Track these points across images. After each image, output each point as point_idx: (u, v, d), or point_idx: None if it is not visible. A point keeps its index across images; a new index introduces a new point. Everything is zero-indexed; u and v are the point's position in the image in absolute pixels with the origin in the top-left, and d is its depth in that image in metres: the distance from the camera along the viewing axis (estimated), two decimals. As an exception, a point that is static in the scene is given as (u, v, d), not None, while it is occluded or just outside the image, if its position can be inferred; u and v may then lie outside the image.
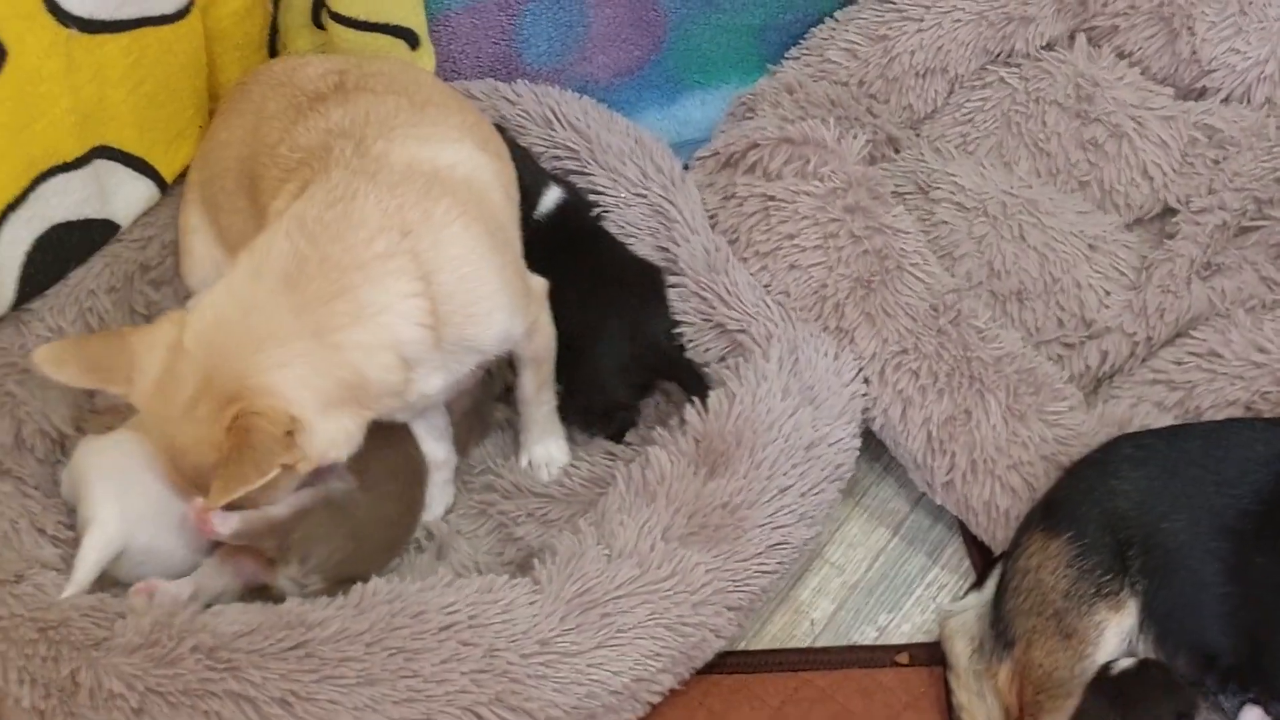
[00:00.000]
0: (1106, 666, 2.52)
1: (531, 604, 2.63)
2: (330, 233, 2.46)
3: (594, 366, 2.95)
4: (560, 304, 2.84)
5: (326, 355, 2.43)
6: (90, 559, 2.59)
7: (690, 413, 2.84)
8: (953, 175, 3.25)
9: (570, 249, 3.01)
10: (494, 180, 2.71)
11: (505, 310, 2.61)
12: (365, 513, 2.73)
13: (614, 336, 2.96)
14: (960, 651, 2.72)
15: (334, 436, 2.48)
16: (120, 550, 2.61)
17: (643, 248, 3.07)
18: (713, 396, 2.85)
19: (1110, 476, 2.61)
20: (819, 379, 2.86)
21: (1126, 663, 2.54)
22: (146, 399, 2.49)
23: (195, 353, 2.44)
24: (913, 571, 2.96)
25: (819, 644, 2.89)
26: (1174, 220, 3.26)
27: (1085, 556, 2.56)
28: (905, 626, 2.89)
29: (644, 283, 3.01)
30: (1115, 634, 2.54)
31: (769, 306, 2.95)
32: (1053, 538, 2.61)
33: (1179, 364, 3.00)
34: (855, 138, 3.14)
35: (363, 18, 3.07)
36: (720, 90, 3.52)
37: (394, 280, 2.46)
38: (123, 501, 2.64)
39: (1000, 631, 2.65)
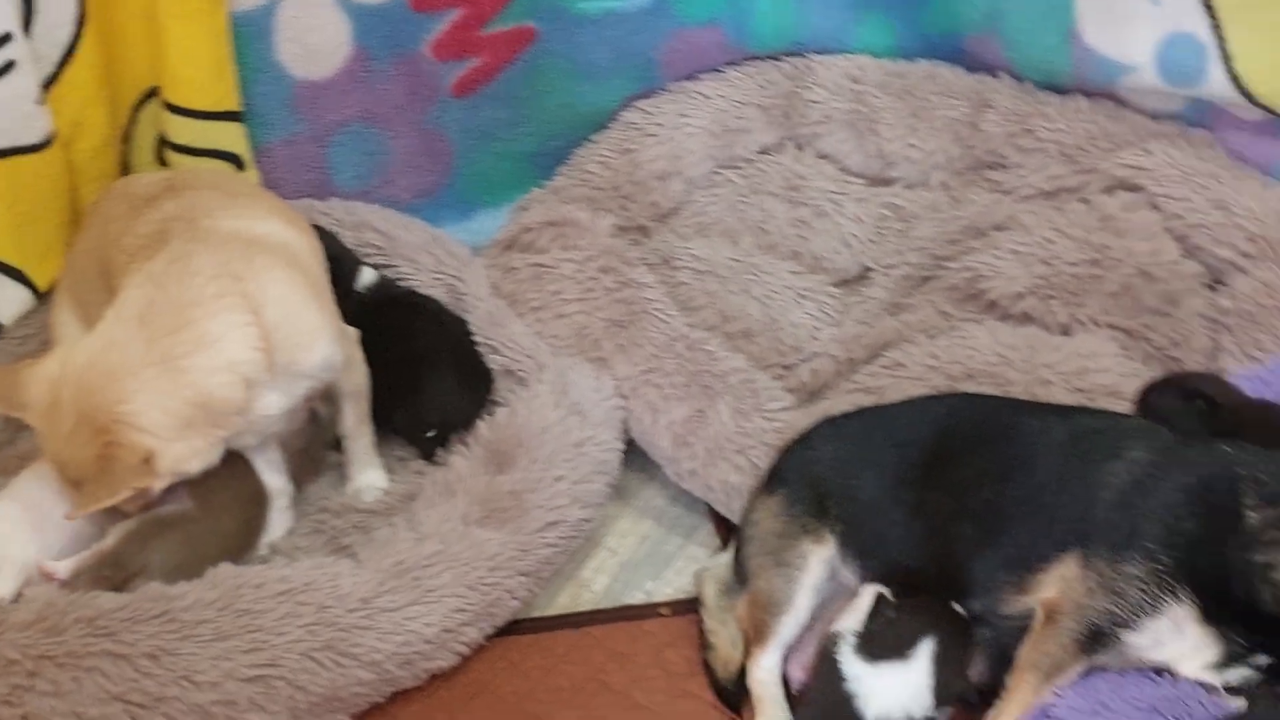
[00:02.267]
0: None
1: (354, 574, 3.27)
2: (173, 280, 3.15)
3: (428, 391, 3.62)
4: (398, 342, 3.56)
5: (175, 379, 3.09)
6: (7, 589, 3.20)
7: (481, 426, 3.53)
8: (690, 249, 4.01)
9: (396, 305, 3.73)
10: (303, 246, 3.43)
11: (326, 338, 3.30)
12: (201, 527, 3.34)
13: (442, 366, 3.64)
14: (710, 592, 3.39)
15: (185, 453, 3.13)
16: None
17: (442, 316, 3.80)
18: (498, 412, 3.55)
19: (810, 449, 3.32)
20: (584, 396, 3.57)
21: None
22: (40, 423, 3.13)
23: (71, 386, 3.10)
24: (672, 549, 3.63)
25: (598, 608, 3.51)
26: (870, 275, 4.04)
27: (793, 507, 3.24)
28: (667, 590, 3.54)
29: (459, 325, 3.71)
30: (818, 561, 3.20)
31: (540, 348, 3.67)
32: (770, 496, 3.30)
33: (872, 375, 3.74)
34: (604, 218, 3.91)
35: (195, 145, 3.79)
36: (506, 206, 4.23)
37: (229, 313, 3.14)
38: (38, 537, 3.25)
39: (739, 573, 3.32)
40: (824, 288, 4.00)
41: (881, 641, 3.04)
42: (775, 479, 3.30)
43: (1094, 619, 2.87)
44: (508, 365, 3.67)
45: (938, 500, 3.15)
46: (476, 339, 3.71)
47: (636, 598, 3.54)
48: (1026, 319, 3.86)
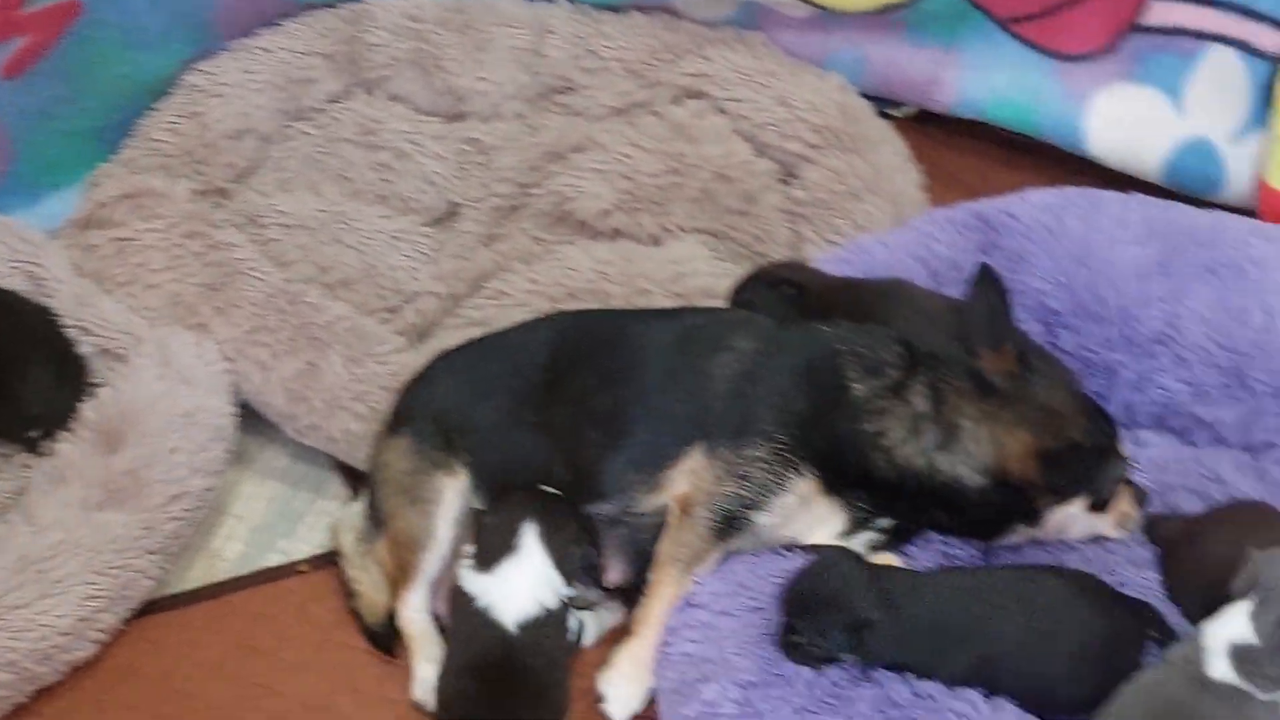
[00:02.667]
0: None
1: (-23, 576, 3.13)
2: None
3: (21, 392, 3.49)
4: None
5: None
6: None
7: (85, 410, 3.41)
8: (275, 205, 3.96)
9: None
10: None
11: None
12: None
13: (31, 364, 3.51)
14: (347, 541, 3.37)
15: None
16: None
17: (21, 307, 3.65)
18: (101, 393, 3.45)
19: (428, 385, 3.33)
20: (187, 364, 3.49)
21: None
22: None
23: None
24: (302, 506, 3.59)
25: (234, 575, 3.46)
26: (459, 210, 4.06)
27: (420, 444, 3.25)
28: (303, 547, 3.50)
29: (40, 316, 3.57)
30: (453, 493, 3.22)
31: (135, 321, 3.57)
32: (397, 437, 3.29)
33: (477, 307, 3.77)
34: (180, 184, 3.83)
35: None
36: (76, 186, 4.05)
37: None
38: None
39: (374, 518, 3.31)
40: (416, 228, 4.01)
41: (489, 547, 3.08)
42: (399, 419, 3.31)
43: (725, 505, 2.97)
44: (103, 344, 3.55)
45: (560, 414, 3.19)
46: (65, 323, 3.57)
47: (273, 560, 3.50)
48: (617, 234, 3.96)
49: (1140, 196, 3.58)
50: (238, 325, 3.58)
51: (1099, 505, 3.07)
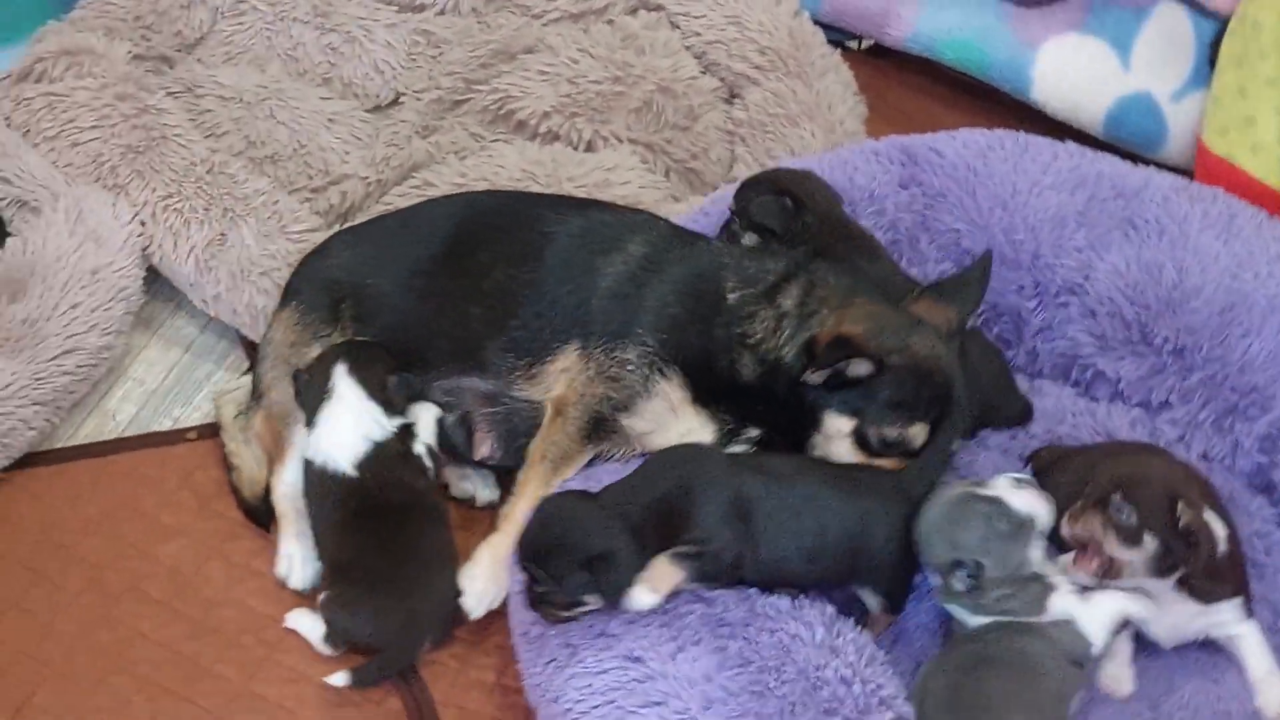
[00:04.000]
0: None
1: None
2: None
3: None
4: None
5: None
6: None
7: (-11, 259, 3.43)
8: (215, 77, 3.96)
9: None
10: None
11: None
12: None
13: None
14: (228, 413, 3.38)
15: None
16: None
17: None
18: (10, 243, 3.46)
19: (325, 256, 3.33)
20: (101, 223, 3.51)
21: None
22: None
23: None
24: (201, 376, 3.61)
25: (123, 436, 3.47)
26: (402, 100, 4.04)
27: (305, 315, 3.26)
28: (195, 415, 3.52)
29: None
30: None
31: (55, 177, 3.58)
32: (284, 309, 3.31)
33: (402, 195, 3.77)
34: (121, 46, 3.82)
35: None
36: (24, 44, 4.08)
37: None
38: None
39: (255, 390, 3.32)
40: (355, 112, 4.00)
41: (310, 401, 3.11)
42: (289, 291, 3.33)
43: (595, 406, 2.97)
44: (20, 196, 3.58)
45: (452, 286, 3.20)
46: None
47: (165, 425, 3.51)
48: (553, 137, 3.95)
49: (1071, 145, 3.54)
50: (155, 190, 3.60)
51: (865, 443, 2.96)
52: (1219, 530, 2.81)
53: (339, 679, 2.96)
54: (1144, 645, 2.91)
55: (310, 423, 3.09)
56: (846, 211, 3.37)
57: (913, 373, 2.87)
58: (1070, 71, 4.03)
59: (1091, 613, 2.77)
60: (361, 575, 3.01)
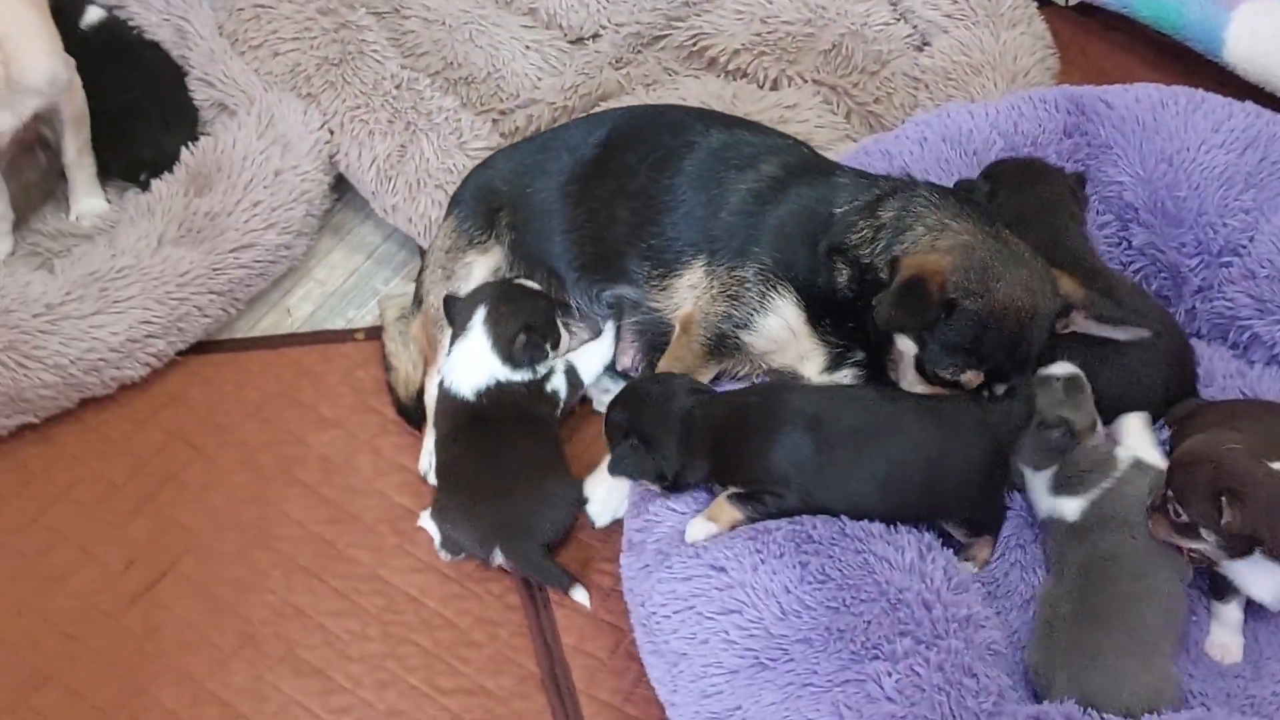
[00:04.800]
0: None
1: (45, 282, 3.39)
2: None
3: (139, 140, 3.75)
4: (114, 92, 3.69)
5: None
6: None
7: (184, 153, 3.64)
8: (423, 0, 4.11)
9: (114, 52, 3.83)
10: None
11: (53, 52, 3.42)
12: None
13: (152, 117, 3.78)
14: (390, 316, 3.54)
15: None
16: None
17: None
18: (202, 141, 3.67)
19: (488, 167, 3.45)
20: (290, 128, 3.69)
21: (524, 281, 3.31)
22: None
23: None
24: (379, 282, 3.77)
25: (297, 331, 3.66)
26: (602, 33, 4.15)
27: (463, 223, 3.39)
28: (368, 318, 3.68)
29: (171, 71, 3.82)
30: (483, 269, 3.35)
31: (254, 82, 3.78)
32: (447, 219, 3.44)
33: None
34: (330, -38, 4.02)
35: None
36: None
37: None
38: None
39: (416, 294, 3.47)
40: (554, 42, 4.11)
41: (456, 327, 3.25)
42: (453, 201, 3.46)
43: (718, 324, 3.04)
44: (220, 99, 3.79)
45: (600, 187, 3.29)
46: (195, 75, 3.80)
47: (338, 325, 3.68)
48: (741, 74, 3.99)
49: (1250, 105, 3.45)
50: (344, 100, 3.77)
51: (925, 373, 2.92)
52: None
53: (580, 596, 3.09)
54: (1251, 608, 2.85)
55: (450, 347, 3.23)
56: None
57: (982, 321, 2.83)
58: (1264, 35, 3.91)
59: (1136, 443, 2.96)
60: (462, 486, 3.13)
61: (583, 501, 3.21)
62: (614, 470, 2.95)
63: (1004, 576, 3.00)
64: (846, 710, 2.58)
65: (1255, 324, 3.31)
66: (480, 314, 3.19)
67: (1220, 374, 3.28)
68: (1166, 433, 3.10)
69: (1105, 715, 2.63)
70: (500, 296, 3.22)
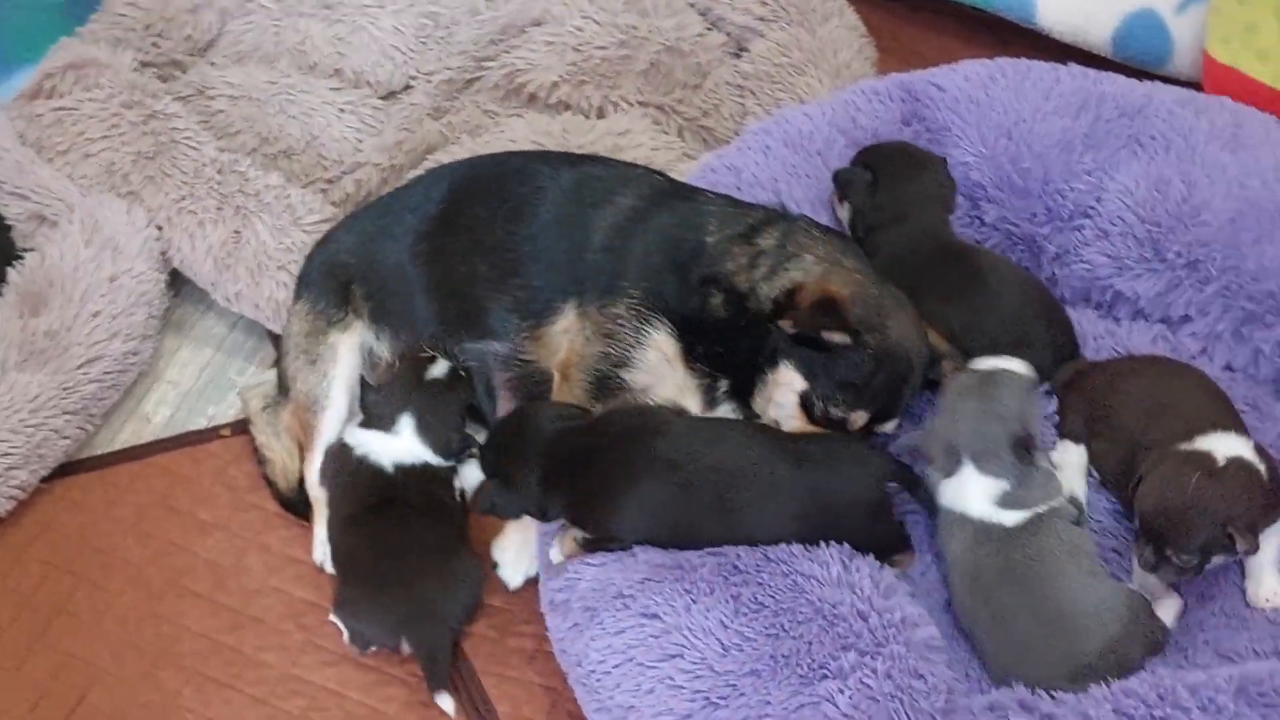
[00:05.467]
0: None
1: (-109, 433, 3.22)
2: None
3: None
4: None
5: None
6: None
7: (11, 273, 3.50)
8: (225, 78, 4.01)
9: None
10: None
11: None
12: None
13: None
14: (255, 407, 3.43)
15: None
16: None
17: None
18: (29, 257, 3.52)
19: (331, 242, 3.37)
20: (117, 230, 3.57)
21: (438, 371, 3.21)
22: None
23: None
24: (233, 373, 3.66)
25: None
26: (413, 84, 4.07)
27: (316, 304, 3.29)
28: (229, 413, 3.57)
29: None
30: (347, 349, 3.27)
31: (69, 189, 3.65)
32: (298, 302, 3.35)
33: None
34: (125, 54, 3.89)
35: None
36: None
37: None
38: None
39: (281, 383, 3.37)
40: (367, 100, 4.04)
41: (375, 423, 3.18)
42: (300, 283, 3.37)
43: (596, 366, 2.98)
44: (37, 210, 3.65)
45: (455, 243, 3.21)
46: (5, 190, 3.66)
47: (199, 424, 3.57)
48: (564, 107, 3.96)
49: (1074, 68, 3.51)
50: (168, 194, 3.65)
51: (809, 408, 2.90)
52: (1260, 467, 2.79)
53: (445, 704, 2.99)
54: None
55: (368, 426, 3.16)
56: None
57: (878, 359, 2.83)
58: (1072, -5, 3.99)
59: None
60: (364, 577, 3.05)
61: (494, 565, 3.14)
62: (481, 510, 2.95)
63: (920, 577, 2.98)
64: (807, 735, 2.55)
65: (1115, 281, 3.36)
66: (407, 421, 3.15)
67: (1091, 335, 3.32)
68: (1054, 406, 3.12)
69: (1054, 693, 2.62)
70: (425, 401, 3.15)
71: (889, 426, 2.90)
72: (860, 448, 2.83)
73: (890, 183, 3.22)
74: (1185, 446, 2.79)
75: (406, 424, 3.13)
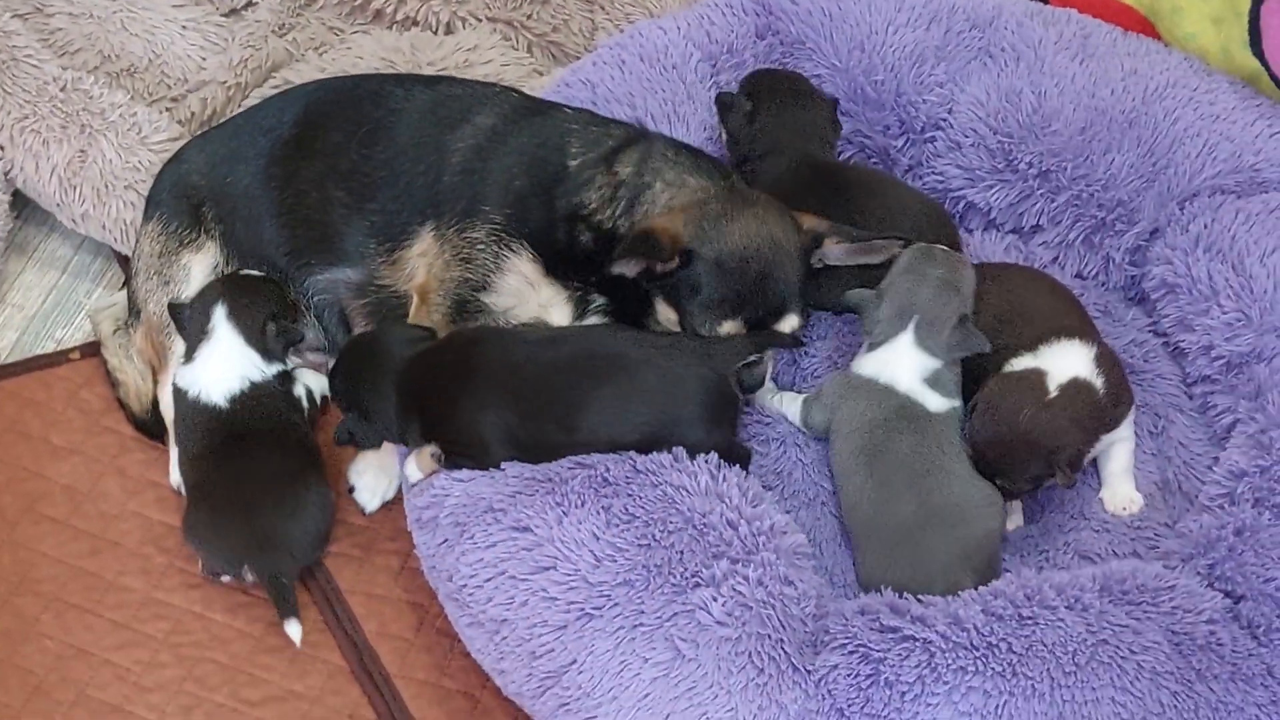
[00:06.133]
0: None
1: None
2: None
3: None
4: None
5: None
6: None
7: None
8: (79, -6, 3.89)
9: None
10: None
11: None
12: None
13: None
14: (105, 329, 3.37)
15: None
16: None
17: None
18: None
19: (181, 163, 3.30)
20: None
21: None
22: None
23: None
24: (81, 296, 3.59)
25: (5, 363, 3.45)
26: (257, 2, 3.99)
27: (168, 225, 3.24)
28: (78, 336, 3.50)
29: None
30: (200, 269, 3.22)
31: (-94, 110, 3.53)
32: (149, 223, 3.28)
33: (263, 97, 3.72)
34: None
35: None
36: None
37: None
38: None
39: (131, 305, 3.30)
40: (209, 18, 3.95)
41: (190, 337, 3.14)
42: (150, 203, 3.30)
43: (455, 290, 2.97)
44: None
45: (308, 167, 3.17)
46: None
47: (48, 348, 3.50)
48: (411, 22, 3.91)
49: (925, -21, 3.53)
50: (9, 113, 3.55)
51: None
52: (1097, 382, 2.85)
53: (294, 631, 2.95)
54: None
55: (189, 358, 3.09)
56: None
57: (720, 266, 2.83)
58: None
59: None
60: (208, 503, 3.01)
61: (350, 489, 3.12)
62: (339, 442, 2.92)
63: (788, 475, 3.02)
64: (682, 643, 2.58)
65: (968, 193, 3.41)
66: (219, 313, 3.08)
67: (946, 245, 3.36)
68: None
69: (922, 596, 2.68)
70: (235, 291, 3.11)
71: (788, 324, 2.89)
72: (713, 341, 2.82)
73: (768, 113, 3.21)
74: (1024, 363, 2.83)
75: (219, 314, 3.08)
